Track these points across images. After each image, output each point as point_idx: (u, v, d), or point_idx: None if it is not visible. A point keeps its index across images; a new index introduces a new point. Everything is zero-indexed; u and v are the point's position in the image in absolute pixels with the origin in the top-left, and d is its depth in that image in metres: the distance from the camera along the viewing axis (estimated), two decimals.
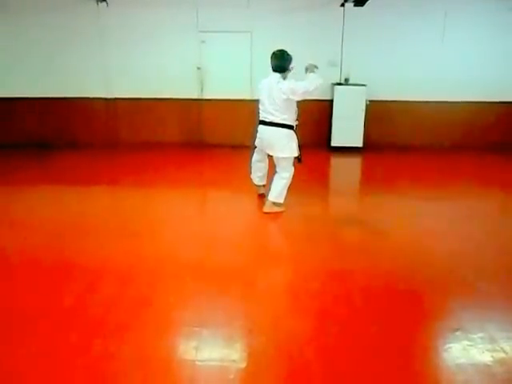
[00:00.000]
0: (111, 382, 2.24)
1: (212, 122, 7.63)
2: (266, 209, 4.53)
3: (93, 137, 7.71)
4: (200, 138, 7.68)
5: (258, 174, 4.85)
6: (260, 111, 4.46)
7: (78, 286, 3.12)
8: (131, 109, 7.61)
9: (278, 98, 4.24)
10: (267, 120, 4.37)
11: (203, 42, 7.32)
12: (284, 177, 4.47)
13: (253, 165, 4.84)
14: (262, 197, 4.85)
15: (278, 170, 4.50)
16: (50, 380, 2.23)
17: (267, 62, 7.64)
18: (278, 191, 4.46)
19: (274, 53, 4.42)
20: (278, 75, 4.35)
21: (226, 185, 5.32)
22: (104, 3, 7.13)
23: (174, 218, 4.55)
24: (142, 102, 7.52)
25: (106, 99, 7.57)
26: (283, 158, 4.39)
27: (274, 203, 4.50)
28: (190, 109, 7.58)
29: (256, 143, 4.65)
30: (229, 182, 5.21)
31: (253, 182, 4.91)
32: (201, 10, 7.20)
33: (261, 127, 4.48)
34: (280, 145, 4.35)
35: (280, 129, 4.32)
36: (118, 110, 7.63)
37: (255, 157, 4.78)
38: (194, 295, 3.04)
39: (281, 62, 4.36)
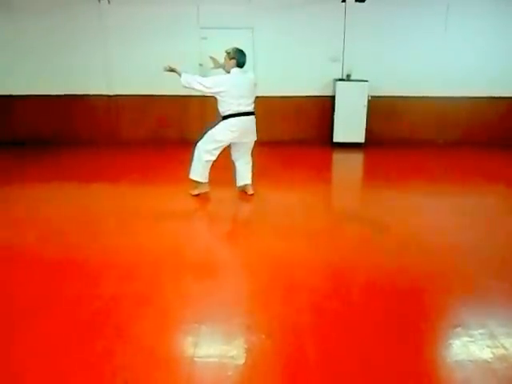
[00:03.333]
0: (110, 378, 2.24)
1: (214, 119, 7.60)
2: (252, 191, 4.98)
3: (94, 134, 7.72)
4: (202, 135, 7.65)
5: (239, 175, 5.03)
6: (237, 104, 4.59)
7: (78, 283, 3.13)
8: (133, 106, 7.61)
9: (253, 90, 4.72)
10: (248, 110, 4.66)
11: (205, 38, 7.30)
12: (251, 159, 4.97)
13: (236, 170, 5.00)
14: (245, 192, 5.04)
15: (245, 154, 4.90)
16: (50, 377, 2.24)
17: (269, 58, 7.64)
18: (251, 173, 5.00)
19: (241, 50, 4.67)
20: (240, 70, 4.67)
21: (226, 182, 5.31)
22: (105, 0, 7.12)
23: (175, 215, 4.55)
24: (144, 98, 7.52)
25: (107, 96, 7.57)
26: (255, 140, 4.87)
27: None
28: (192, 105, 7.56)
29: (232, 139, 4.74)
30: (229, 179, 5.20)
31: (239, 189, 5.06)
32: (202, 6, 7.18)
33: (243, 118, 4.65)
34: (255, 129, 4.80)
35: (254, 116, 4.76)
36: (119, 107, 7.63)
37: (234, 156, 4.97)
38: (193, 292, 3.04)
39: (245, 59, 4.71)
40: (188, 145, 7.41)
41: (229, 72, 4.69)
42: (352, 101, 7.17)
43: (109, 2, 7.13)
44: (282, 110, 7.59)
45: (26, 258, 3.55)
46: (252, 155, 5.00)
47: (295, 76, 7.42)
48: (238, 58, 4.63)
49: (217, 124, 4.77)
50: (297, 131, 7.72)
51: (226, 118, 4.67)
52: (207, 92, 4.66)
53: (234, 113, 4.61)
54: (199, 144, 4.86)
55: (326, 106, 7.49)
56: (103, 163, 6.66)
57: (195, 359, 2.36)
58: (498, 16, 7.21)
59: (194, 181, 4.87)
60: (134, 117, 7.69)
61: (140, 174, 6.00)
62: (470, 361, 2.36)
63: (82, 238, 3.91)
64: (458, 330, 2.60)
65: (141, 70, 7.39)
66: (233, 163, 5.01)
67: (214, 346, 2.51)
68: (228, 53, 4.66)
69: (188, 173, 4.89)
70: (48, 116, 7.69)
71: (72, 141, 7.63)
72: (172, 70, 4.71)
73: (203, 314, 2.76)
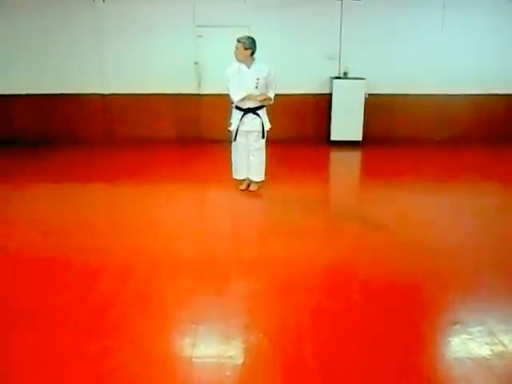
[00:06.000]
0: (108, 379, 2.23)
1: (210, 117, 7.59)
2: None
3: (89, 133, 7.66)
4: (198, 133, 7.64)
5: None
6: None
7: (75, 283, 3.12)
8: (128, 104, 7.56)
9: None
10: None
11: (200, 36, 7.27)
12: None
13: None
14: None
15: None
16: (47, 376, 2.23)
17: (266, 56, 7.63)
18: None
19: (253, 38, 4.64)
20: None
21: (223, 180, 5.30)
22: None
23: (172, 214, 4.53)
24: (139, 97, 7.47)
25: (102, 95, 7.52)
26: None
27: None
28: (188, 104, 7.54)
29: None
30: (226, 177, 5.20)
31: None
32: (197, 4, 7.14)
33: None
34: None
35: None
36: (114, 106, 7.58)
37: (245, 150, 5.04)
38: (190, 292, 3.02)
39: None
40: (184, 144, 7.45)
41: (249, 65, 4.62)
42: (349, 99, 7.15)
43: (103, 0, 7.09)
44: (279, 108, 7.47)
45: (22, 258, 3.52)
46: None
47: (292, 74, 7.38)
48: (254, 48, 4.59)
49: (263, 115, 4.80)
50: (293, 129, 7.69)
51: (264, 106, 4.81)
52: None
53: None
54: (262, 152, 4.93)
55: (322, 104, 7.47)
56: (99, 163, 6.62)
57: (193, 359, 2.35)
58: (494, 13, 7.20)
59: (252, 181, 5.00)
60: (129, 116, 7.65)
61: (136, 173, 5.97)
62: (469, 358, 2.36)
63: (79, 238, 3.89)
64: (457, 327, 2.60)
65: (136, 68, 7.35)
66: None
67: (212, 346, 2.50)
68: (243, 42, 4.52)
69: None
70: (43, 115, 7.63)
71: (66, 140, 7.56)
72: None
73: (201, 314, 2.75)
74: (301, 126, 7.70)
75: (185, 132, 7.70)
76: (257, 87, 4.62)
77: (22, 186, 5.51)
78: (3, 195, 5.21)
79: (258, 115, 4.74)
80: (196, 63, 7.39)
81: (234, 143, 4.95)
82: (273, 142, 7.20)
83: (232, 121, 4.88)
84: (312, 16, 7.23)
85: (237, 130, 4.81)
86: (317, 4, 7.19)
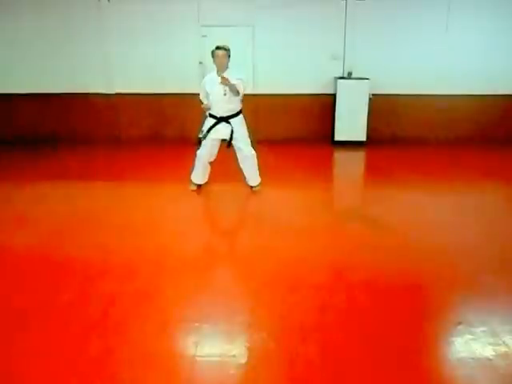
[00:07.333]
0: (111, 377, 2.24)
1: None
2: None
3: (93, 132, 7.69)
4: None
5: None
6: None
7: (78, 282, 3.13)
8: (132, 104, 7.59)
9: None
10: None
11: (205, 36, 7.28)
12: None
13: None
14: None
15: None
16: (49, 376, 2.24)
17: (269, 56, 7.61)
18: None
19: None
20: None
21: (225, 180, 5.32)
22: None
23: (175, 213, 4.54)
24: (144, 97, 7.49)
25: (106, 94, 7.55)
26: None
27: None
28: (192, 104, 7.53)
29: None
30: (228, 176, 5.21)
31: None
32: (202, 4, 7.16)
33: None
34: None
35: None
36: (119, 106, 7.61)
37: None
38: (194, 290, 3.03)
39: None
40: (188, 143, 7.44)
41: (223, 71, 4.64)
42: (353, 99, 7.14)
43: (108, 0, 7.12)
44: (283, 108, 7.57)
45: (25, 258, 3.54)
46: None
47: (296, 74, 7.40)
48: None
49: (239, 123, 4.81)
50: (297, 130, 7.70)
51: (241, 112, 4.83)
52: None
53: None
54: (253, 152, 4.93)
55: (327, 105, 7.46)
56: (103, 162, 6.65)
57: (196, 358, 2.36)
58: (499, 15, 7.17)
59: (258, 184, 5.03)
60: (134, 115, 7.67)
61: (140, 172, 5.99)
62: (472, 358, 2.36)
63: (82, 237, 3.91)
64: (460, 327, 2.60)
65: (141, 68, 7.38)
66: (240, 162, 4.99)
67: (216, 344, 2.51)
68: (227, 50, 4.67)
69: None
70: (48, 114, 7.67)
71: (72, 139, 7.60)
72: None
73: (204, 313, 2.76)
74: (305, 125, 7.70)
75: (189, 132, 7.70)
76: (225, 94, 4.64)
77: (25, 185, 5.53)
78: (6, 194, 5.23)
79: (229, 123, 4.76)
80: (200, 63, 7.40)
81: (199, 150, 4.96)
82: (276, 141, 7.26)
83: (203, 128, 4.91)
84: (316, 16, 7.23)
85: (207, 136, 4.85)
86: (321, 4, 7.19)
